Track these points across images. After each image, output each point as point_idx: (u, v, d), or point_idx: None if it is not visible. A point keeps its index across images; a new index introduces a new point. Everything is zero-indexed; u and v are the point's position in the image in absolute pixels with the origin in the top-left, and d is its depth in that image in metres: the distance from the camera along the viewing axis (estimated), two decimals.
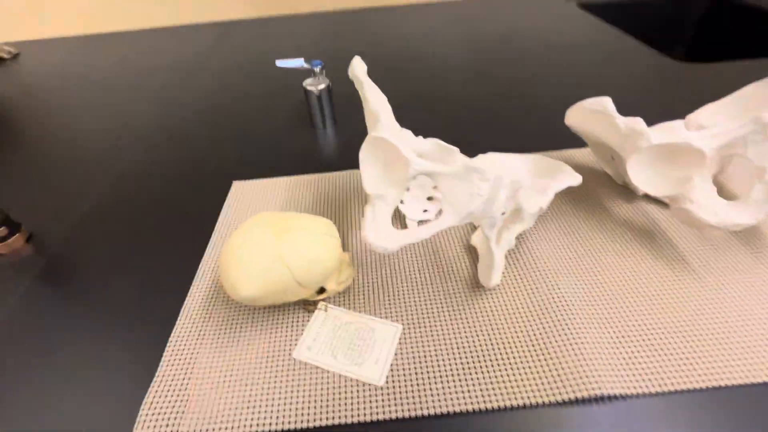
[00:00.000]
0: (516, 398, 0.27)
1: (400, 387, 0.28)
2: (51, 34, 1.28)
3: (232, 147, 0.57)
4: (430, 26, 0.98)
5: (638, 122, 0.33)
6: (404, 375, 0.29)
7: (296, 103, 0.68)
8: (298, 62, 0.57)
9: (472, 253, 0.38)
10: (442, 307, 0.33)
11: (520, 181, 0.30)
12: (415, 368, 0.29)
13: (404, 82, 0.72)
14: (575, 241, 0.38)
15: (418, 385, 0.28)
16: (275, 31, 1.03)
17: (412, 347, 0.31)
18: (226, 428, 0.27)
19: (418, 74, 0.75)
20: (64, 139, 0.62)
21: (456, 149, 0.36)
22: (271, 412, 0.27)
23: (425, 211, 0.42)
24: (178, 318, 0.34)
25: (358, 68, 0.35)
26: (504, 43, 0.86)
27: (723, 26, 1.01)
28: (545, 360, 0.29)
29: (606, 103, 0.35)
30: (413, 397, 0.28)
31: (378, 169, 0.32)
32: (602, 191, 0.43)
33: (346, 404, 0.28)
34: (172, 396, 0.29)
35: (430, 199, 0.43)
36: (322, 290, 0.34)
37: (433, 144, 0.40)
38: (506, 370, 0.29)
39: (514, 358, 0.29)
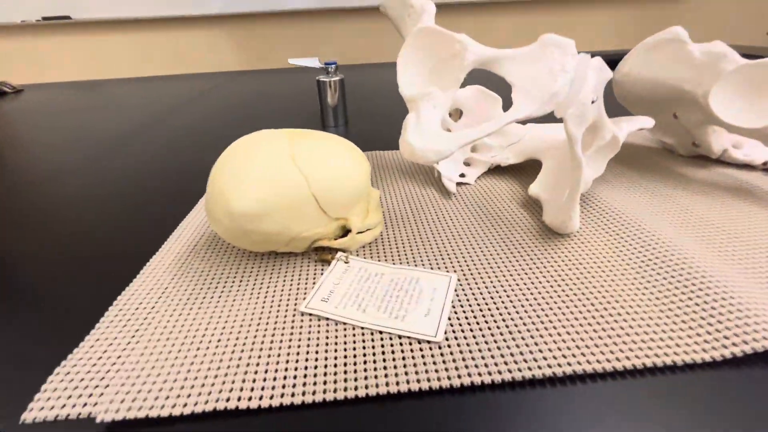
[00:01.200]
0: (648, 356, 0.17)
1: (466, 344, 0.18)
2: (52, 79, 1.31)
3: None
4: None
5: (718, 44, 0.29)
6: (464, 332, 0.19)
7: (311, 109, 0.64)
8: (312, 61, 0.55)
9: (533, 207, 0.30)
10: (507, 257, 0.24)
11: (608, 76, 0.23)
12: (479, 324, 0.20)
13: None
14: (658, 199, 0.30)
15: (487, 343, 0.18)
16: (270, 80, 1.05)
17: (474, 300, 0.21)
18: (179, 404, 0.16)
19: None
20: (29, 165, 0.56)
21: (499, 99, 0.31)
22: (263, 380, 0.17)
23: (462, 175, 0.35)
24: (141, 270, 0.25)
25: None
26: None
27: None
28: (680, 310, 0.20)
29: (677, 29, 0.30)
30: (489, 356, 0.18)
31: (421, 68, 0.25)
32: (668, 162, 0.37)
33: (386, 366, 0.17)
34: (103, 365, 0.18)
35: (467, 164, 0.36)
36: (343, 233, 0.25)
37: (475, 90, 0.35)
38: (620, 324, 0.19)
39: (629, 309, 0.20)
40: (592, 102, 0.23)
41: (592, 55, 1.03)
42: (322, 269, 0.24)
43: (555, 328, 0.19)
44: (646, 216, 0.27)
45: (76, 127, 0.62)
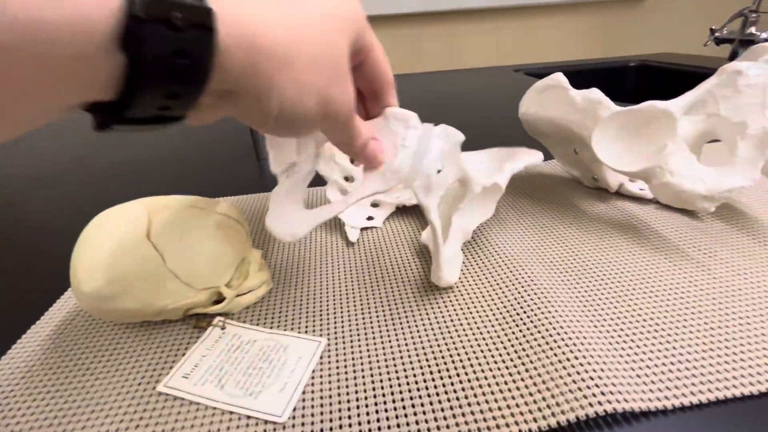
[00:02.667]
0: (492, 427, 0.18)
1: (312, 423, 0.18)
2: None
3: (164, 174, 0.51)
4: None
5: (594, 92, 0.30)
6: (321, 406, 0.19)
7: (243, 139, 0.64)
8: None
9: (425, 255, 0.31)
10: (385, 315, 0.25)
11: (461, 136, 0.24)
12: (339, 395, 0.20)
13: None
14: (549, 239, 0.31)
15: (341, 419, 0.19)
16: None
17: (338, 368, 0.21)
18: None
19: None
20: None
21: (406, 119, 0.30)
22: None
23: (370, 218, 0.35)
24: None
25: None
26: (462, 107, 0.89)
27: (651, 84, 1.09)
28: (526, 373, 0.20)
29: (558, 76, 0.31)
30: None
31: (285, 145, 0.25)
32: (572, 194, 0.38)
33: None
34: None
35: (375, 206, 0.37)
36: (220, 299, 0.25)
37: (379, 121, 0.35)
38: (473, 389, 0.20)
39: (482, 372, 0.20)
40: (438, 171, 0.24)
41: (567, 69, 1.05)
42: (198, 337, 0.24)
43: (402, 400, 0.19)
44: (529, 262, 0.28)
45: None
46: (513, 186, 0.41)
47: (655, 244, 0.30)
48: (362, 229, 0.35)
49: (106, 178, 0.52)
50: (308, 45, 0.16)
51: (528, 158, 0.30)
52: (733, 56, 0.93)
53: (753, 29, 0.88)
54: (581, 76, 1.10)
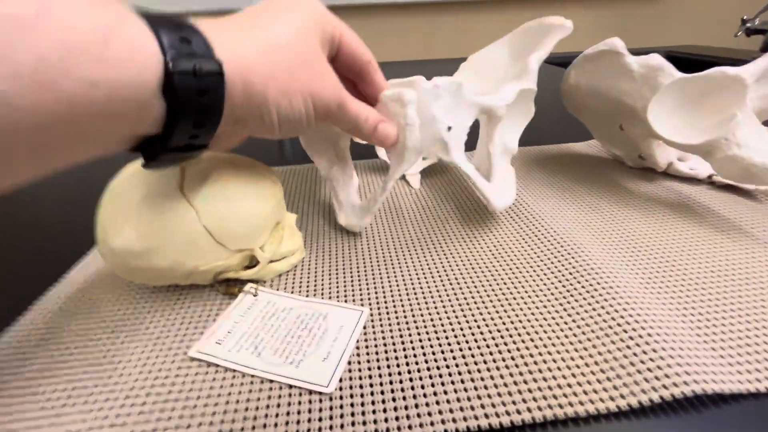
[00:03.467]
0: (554, 407, 0.16)
1: (361, 396, 0.17)
2: None
3: None
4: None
5: (654, 57, 0.28)
6: (370, 378, 0.18)
7: None
8: None
9: (469, 211, 0.29)
10: (428, 283, 0.23)
11: (457, 81, 0.24)
12: (388, 366, 0.18)
13: None
14: (597, 216, 0.29)
15: (393, 391, 0.17)
16: None
17: (384, 338, 0.20)
18: None
19: None
20: None
21: (417, 78, 0.30)
22: None
23: (424, 158, 0.36)
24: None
25: None
26: None
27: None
28: (594, 349, 0.18)
29: (614, 41, 0.29)
30: (381, 410, 0.16)
31: (322, 150, 0.28)
32: (615, 173, 0.36)
33: (266, 424, 0.16)
34: None
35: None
36: (253, 264, 0.23)
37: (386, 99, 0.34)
38: (536, 363, 0.18)
39: (545, 347, 0.19)
40: (449, 128, 0.24)
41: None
42: (228, 303, 0.22)
43: (460, 374, 0.17)
44: (580, 237, 0.26)
45: None
46: (549, 164, 0.39)
47: (714, 224, 0.28)
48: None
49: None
50: (284, 59, 0.19)
51: (554, 35, 0.28)
52: (765, 48, 0.89)
53: None
54: None
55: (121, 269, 0.20)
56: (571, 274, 0.23)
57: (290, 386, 0.17)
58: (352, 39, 0.23)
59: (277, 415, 0.16)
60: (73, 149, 0.14)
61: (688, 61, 1.02)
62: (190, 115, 0.16)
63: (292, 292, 0.23)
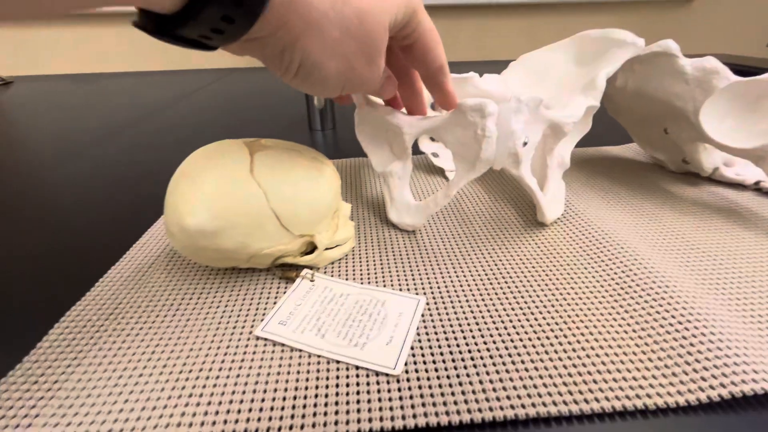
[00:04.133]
0: (621, 398, 0.16)
1: (428, 379, 0.17)
2: (44, 71, 1.28)
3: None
4: None
5: (709, 60, 0.28)
6: (434, 363, 0.18)
7: (298, 112, 0.63)
8: None
9: (519, 200, 0.29)
10: (481, 277, 0.23)
11: (539, 97, 0.23)
12: (451, 353, 0.18)
13: None
14: (644, 218, 0.29)
15: (459, 376, 0.17)
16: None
17: (443, 326, 0.20)
18: None
19: None
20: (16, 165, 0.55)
21: (471, 74, 0.30)
22: (204, 414, 0.16)
23: None
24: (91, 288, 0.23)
25: None
26: None
27: None
28: (656, 345, 0.18)
29: (668, 42, 0.29)
30: (449, 393, 0.16)
31: (378, 144, 0.28)
32: (658, 177, 0.36)
33: (338, 402, 0.16)
34: (37, 391, 0.17)
35: None
36: (310, 250, 0.24)
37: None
38: (599, 356, 0.18)
39: (605, 341, 0.19)
40: (524, 144, 0.24)
41: None
42: (286, 287, 0.23)
43: (523, 363, 0.18)
44: (630, 237, 0.26)
45: (55, 124, 0.61)
46: (588, 166, 0.39)
47: (765, 229, 0.27)
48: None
49: (162, 137, 0.51)
50: (342, 16, 0.18)
51: (625, 51, 0.27)
52: None
53: None
54: None
55: (189, 249, 0.21)
56: (624, 272, 0.23)
57: (357, 367, 0.18)
58: (428, 40, 0.22)
59: (347, 394, 0.17)
60: None
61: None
62: (224, 4, 0.14)
63: (346, 279, 0.24)
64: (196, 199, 0.19)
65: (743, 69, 0.94)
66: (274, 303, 0.22)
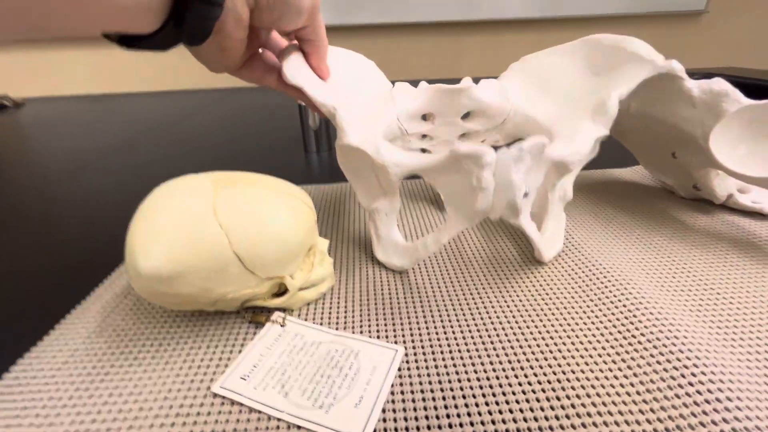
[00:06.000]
0: None
1: None
2: (54, 92, 1.32)
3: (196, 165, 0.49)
4: None
5: (717, 82, 0.26)
6: (406, 430, 0.16)
7: (292, 133, 0.62)
8: None
9: (508, 240, 0.27)
10: (467, 320, 0.21)
11: (542, 142, 0.20)
12: (426, 417, 0.16)
13: None
14: (650, 252, 0.27)
15: None
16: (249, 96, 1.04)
17: (420, 383, 0.18)
18: None
19: None
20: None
21: (466, 85, 0.28)
22: None
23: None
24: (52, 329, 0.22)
25: (291, 62, 0.25)
26: None
27: None
28: (649, 394, 0.16)
29: (673, 63, 0.27)
30: None
31: (363, 179, 0.26)
32: (666, 204, 0.33)
33: None
34: None
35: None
36: (282, 291, 0.22)
37: (431, 93, 0.31)
38: (590, 416, 0.16)
39: (598, 396, 0.16)
40: (525, 195, 0.21)
41: None
42: (255, 332, 0.21)
43: (505, 420, 0.16)
44: (634, 276, 0.24)
45: (53, 146, 0.61)
46: (593, 191, 0.36)
47: None
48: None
49: (153, 161, 0.51)
50: None
51: (642, 70, 0.25)
52: None
53: None
54: None
55: (147, 292, 0.19)
56: (627, 318, 0.21)
57: None
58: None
59: None
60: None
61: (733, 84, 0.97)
62: None
63: (321, 324, 0.22)
64: (152, 242, 0.18)
65: (758, 83, 0.91)
66: (240, 351, 0.20)
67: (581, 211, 0.33)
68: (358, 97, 0.27)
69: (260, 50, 0.27)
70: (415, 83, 0.33)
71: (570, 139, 0.23)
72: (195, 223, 0.18)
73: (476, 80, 0.31)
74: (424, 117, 0.32)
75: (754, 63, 1.52)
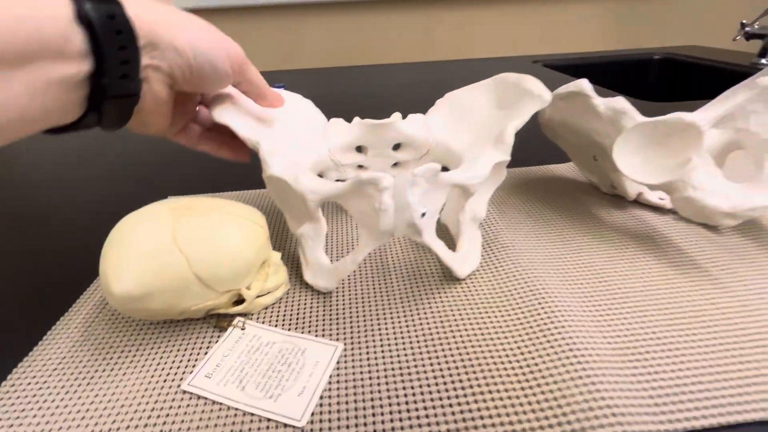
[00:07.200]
0: None
1: (329, 430, 0.19)
2: None
3: (173, 170, 0.52)
4: (403, 84, 1.00)
5: (619, 101, 0.29)
6: (338, 412, 0.20)
7: None
8: None
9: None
10: (399, 319, 0.25)
11: (435, 168, 0.23)
12: (356, 402, 0.20)
13: None
14: (564, 248, 0.31)
15: (357, 426, 0.19)
16: None
17: (354, 374, 0.22)
18: None
19: None
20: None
21: (394, 118, 0.31)
22: None
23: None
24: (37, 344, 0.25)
25: (223, 108, 0.28)
26: None
27: (675, 78, 1.05)
28: (538, 388, 0.21)
29: (582, 83, 0.31)
30: None
31: (290, 206, 0.29)
32: (589, 200, 0.38)
33: None
34: None
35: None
36: (241, 300, 0.26)
37: (362, 127, 0.35)
38: (485, 402, 0.20)
39: (495, 384, 0.21)
40: (422, 215, 0.24)
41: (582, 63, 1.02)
42: (219, 336, 0.25)
43: (427, 414, 0.20)
44: (545, 273, 0.28)
45: (23, 158, 0.62)
46: (526, 188, 0.41)
47: (672, 258, 0.30)
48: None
49: (111, 175, 0.53)
50: (197, 22, 0.22)
51: (532, 105, 0.29)
52: (763, 53, 0.89)
53: None
54: (603, 68, 1.07)
55: (121, 308, 0.23)
56: (529, 311, 0.25)
57: (268, 419, 0.20)
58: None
59: None
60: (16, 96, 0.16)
61: (687, 65, 1.02)
62: (112, 46, 0.18)
63: (276, 326, 0.26)
64: (122, 268, 0.21)
65: (712, 65, 0.96)
66: (206, 353, 0.24)
67: (515, 210, 0.37)
68: (288, 133, 0.30)
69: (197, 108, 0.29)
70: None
71: (472, 164, 0.27)
72: (158, 251, 0.22)
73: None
74: (359, 149, 0.36)
75: (717, 42, 1.57)
